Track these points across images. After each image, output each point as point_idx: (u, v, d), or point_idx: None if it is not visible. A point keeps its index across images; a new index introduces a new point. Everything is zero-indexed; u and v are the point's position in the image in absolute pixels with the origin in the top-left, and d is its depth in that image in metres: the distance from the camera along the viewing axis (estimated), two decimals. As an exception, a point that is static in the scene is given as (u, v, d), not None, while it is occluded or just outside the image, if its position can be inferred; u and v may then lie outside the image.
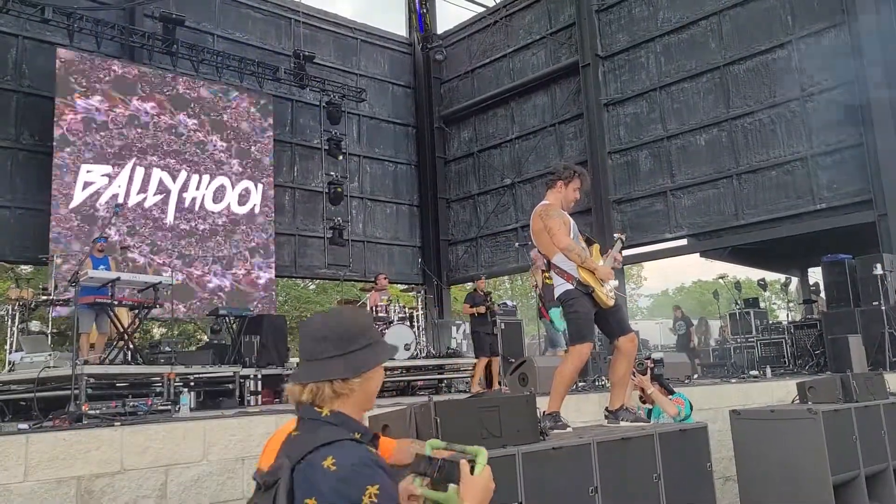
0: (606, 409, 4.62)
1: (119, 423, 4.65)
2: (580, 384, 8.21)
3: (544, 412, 4.35)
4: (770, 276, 19.09)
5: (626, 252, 5.45)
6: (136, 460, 4.29)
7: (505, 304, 14.17)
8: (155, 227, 13.76)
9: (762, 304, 15.61)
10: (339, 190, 16.82)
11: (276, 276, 16.00)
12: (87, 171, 13.02)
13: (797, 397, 5.80)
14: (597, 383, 8.73)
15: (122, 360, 7.61)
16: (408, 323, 10.75)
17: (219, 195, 14.74)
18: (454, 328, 14.30)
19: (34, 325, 9.48)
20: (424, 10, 18.58)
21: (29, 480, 3.91)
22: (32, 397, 6.18)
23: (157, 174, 13.93)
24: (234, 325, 9.67)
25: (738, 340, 13.62)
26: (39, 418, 5.31)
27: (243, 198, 15.11)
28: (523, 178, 17.81)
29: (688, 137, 14.80)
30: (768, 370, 10.93)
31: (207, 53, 14.93)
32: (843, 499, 4.99)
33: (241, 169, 15.15)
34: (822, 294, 13.11)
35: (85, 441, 4.16)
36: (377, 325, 10.57)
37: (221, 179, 14.83)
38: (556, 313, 9.43)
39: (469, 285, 16.01)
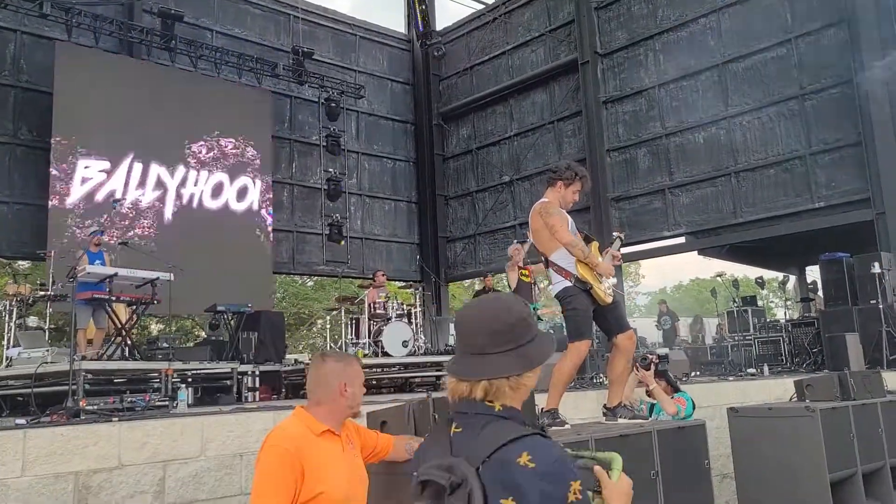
0: (604, 406, 4.62)
1: (117, 419, 4.64)
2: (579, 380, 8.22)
3: (542, 409, 4.35)
4: (768, 274, 19.11)
5: (623, 250, 5.45)
6: (133, 456, 4.29)
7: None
8: (153, 222, 13.74)
9: (760, 303, 15.61)
10: (337, 186, 16.83)
11: (275, 273, 15.99)
12: (85, 167, 13.00)
13: (795, 395, 5.80)
14: (594, 380, 8.74)
15: (120, 355, 7.60)
16: (406, 320, 10.73)
17: (217, 191, 14.72)
18: (452, 325, 14.30)
19: (32, 321, 9.47)
20: (423, 7, 18.55)
21: (27, 475, 3.90)
22: (30, 392, 6.18)
23: (155, 170, 13.91)
24: (232, 322, 9.66)
25: (736, 338, 13.63)
26: (37, 413, 5.31)
27: (241, 194, 15.09)
28: (522, 176, 17.81)
29: (686, 135, 14.81)
30: (766, 368, 10.94)
31: (206, 49, 14.91)
32: (840, 496, 4.99)
33: (239, 165, 15.12)
34: (820, 292, 13.13)
35: (82, 436, 4.16)
36: (375, 321, 10.57)
37: (220, 175, 14.81)
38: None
39: (468, 283, 16.00)
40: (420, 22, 18.48)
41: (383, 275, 11.79)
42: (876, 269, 10.81)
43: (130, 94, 13.70)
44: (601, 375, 8.45)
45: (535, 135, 17.70)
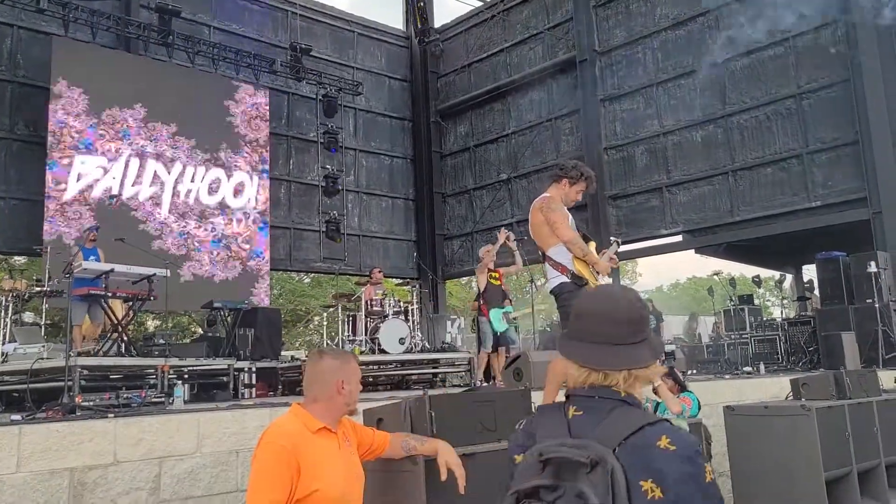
0: None
1: (112, 415, 4.64)
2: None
3: (538, 406, 4.34)
4: (764, 272, 19.15)
5: (621, 248, 5.45)
6: (129, 452, 4.28)
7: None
8: (149, 218, 13.70)
9: (756, 301, 15.67)
10: (334, 183, 16.81)
11: (272, 270, 15.97)
12: (82, 163, 12.96)
13: (791, 394, 5.82)
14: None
15: (116, 351, 7.59)
16: (402, 317, 10.73)
17: (214, 188, 14.69)
18: (449, 322, 14.34)
19: (27, 317, 9.43)
20: (421, 4, 18.52)
21: (22, 472, 3.90)
22: (25, 388, 6.17)
23: (151, 166, 13.88)
24: (229, 318, 9.65)
25: (733, 337, 13.66)
26: (32, 409, 5.30)
27: (238, 190, 15.07)
28: (519, 174, 17.80)
29: (684, 134, 14.81)
30: (762, 367, 10.97)
31: (203, 45, 14.86)
32: (835, 495, 5.01)
33: (236, 161, 15.09)
34: (816, 291, 13.16)
35: (78, 433, 4.15)
36: (371, 319, 10.57)
37: (216, 172, 14.77)
38: (496, 314, 9.40)
39: (465, 280, 15.97)
40: (417, 19, 18.47)
41: (380, 272, 11.78)
42: (872, 268, 10.85)
43: (127, 90, 13.67)
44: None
45: (532, 132, 17.69)
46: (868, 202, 12.11)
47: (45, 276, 9.22)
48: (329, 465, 2.50)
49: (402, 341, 10.25)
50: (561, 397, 1.72)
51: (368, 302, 10.62)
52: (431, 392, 3.33)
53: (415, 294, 11.74)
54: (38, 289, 9.11)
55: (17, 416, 4.80)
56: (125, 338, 7.77)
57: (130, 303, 8.06)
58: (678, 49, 14.92)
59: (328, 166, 17.04)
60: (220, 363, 8.39)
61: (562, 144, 17.02)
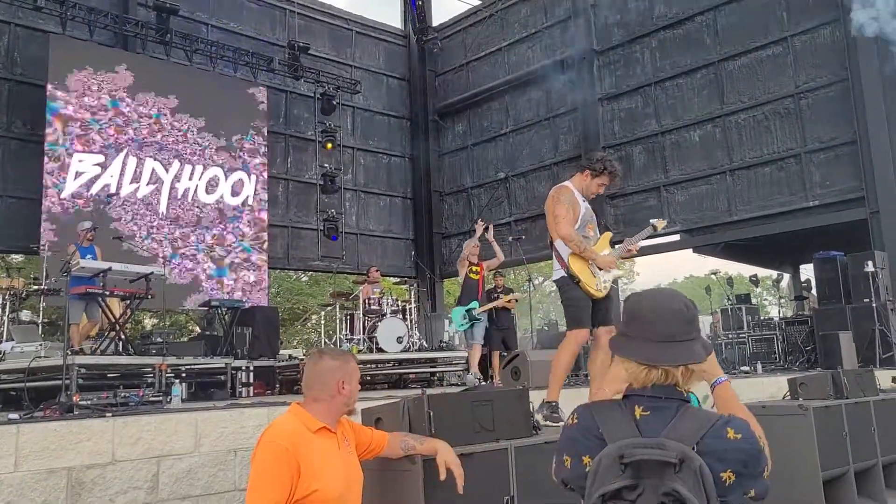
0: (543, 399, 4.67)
1: (110, 414, 4.63)
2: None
3: (543, 400, 4.37)
4: (762, 272, 19.18)
5: (619, 247, 5.46)
6: (127, 451, 4.28)
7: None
8: (147, 217, 13.68)
9: (754, 300, 15.68)
10: (332, 182, 16.79)
11: (269, 268, 15.95)
12: (79, 161, 12.94)
13: (788, 393, 5.83)
14: (589, 377, 8.72)
15: (114, 350, 7.58)
16: (400, 316, 10.74)
17: (211, 186, 14.67)
18: (447, 321, 14.31)
19: (25, 315, 9.43)
20: (419, 2, 18.49)
21: (19, 471, 3.89)
22: (23, 387, 6.15)
23: (149, 164, 13.85)
24: (227, 317, 9.66)
25: (730, 336, 13.67)
26: (30, 408, 5.29)
27: (236, 189, 15.05)
28: (517, 172, 17.79)
29: (682, 133, 14.81)
30: (759, 366, 10.98)
31: (201, 43, 14.84)
32: (832, 494, 5.02)
33: (234, 160, 15.07)
34: (814, 291, 13.17)
35: (76, 432, 4.14)
36: (369, 317, 10.57)
37: (214, 170, 14.75)
38: (457, 312, 9.42)
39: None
40: (415, 17, 18.45)
41: (377, 270, 11.77)
42: (869, 267, 10.85)
43: (125, 88, 13.64)
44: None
45: (530, 131, 17.68)
46: (866, 202, 12.12)
47: (43, 275, 9.20)
48: (328, 465, 2.50)
49: (399, 340, 10.25)
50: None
51: (366, 301, 10.62)
52: (429, 391, 3.33)
53: (413, 293, 11.74)
54: (36, 287, 9.10)
55: (14, 415, 4.79)
56: (122, 336, 7.77)
57: (128, 301, 8.06)
58: (676, 48, 14.93)
59: (326, 165, 17.02)
60: (218, 362, 8.39)
61: (560, 143, 17.01)
